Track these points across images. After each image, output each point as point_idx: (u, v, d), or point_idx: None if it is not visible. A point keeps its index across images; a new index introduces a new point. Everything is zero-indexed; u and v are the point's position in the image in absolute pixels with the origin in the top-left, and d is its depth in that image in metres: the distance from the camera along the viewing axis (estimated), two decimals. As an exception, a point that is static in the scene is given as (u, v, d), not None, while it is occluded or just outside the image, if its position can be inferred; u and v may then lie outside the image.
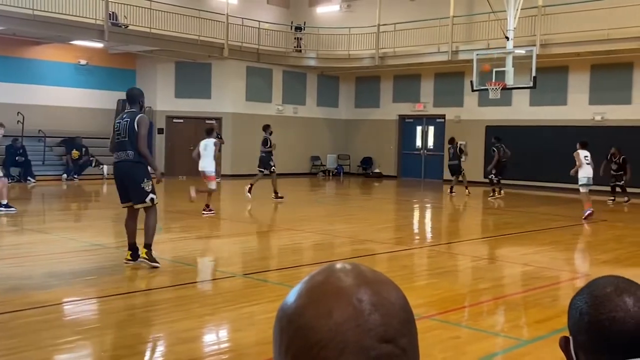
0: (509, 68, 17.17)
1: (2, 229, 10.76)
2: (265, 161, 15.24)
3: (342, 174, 26.01)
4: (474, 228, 13.09)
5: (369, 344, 0.74)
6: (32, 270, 7.22)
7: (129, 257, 7.41)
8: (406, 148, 25.43)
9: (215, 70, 22.96)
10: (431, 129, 24.80)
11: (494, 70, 17.40)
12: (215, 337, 5.30)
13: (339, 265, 0.81)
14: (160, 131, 22.69)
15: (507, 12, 17.44)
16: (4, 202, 11.88)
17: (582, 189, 13.05)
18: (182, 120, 23.00)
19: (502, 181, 18.08)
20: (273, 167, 15.20)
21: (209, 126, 13.77)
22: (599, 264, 8.81)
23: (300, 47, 24.91)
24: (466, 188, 18.17)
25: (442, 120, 23.97)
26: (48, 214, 13.75)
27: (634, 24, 17.82)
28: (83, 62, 21.89)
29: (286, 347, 0.77)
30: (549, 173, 20.21)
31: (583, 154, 13.03)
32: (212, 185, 12.44)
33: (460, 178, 18.29)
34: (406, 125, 25.42)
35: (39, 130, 20.10)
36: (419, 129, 25.16)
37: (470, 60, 18.47)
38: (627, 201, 16.66)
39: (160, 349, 4.98)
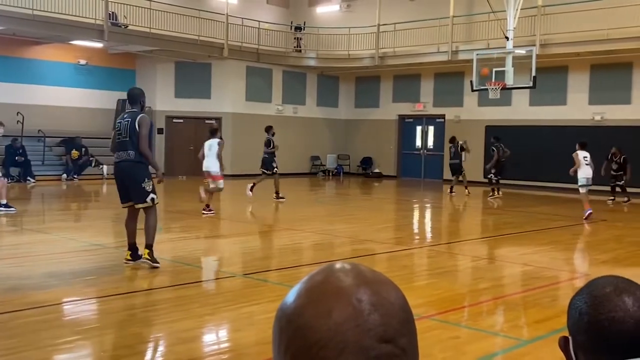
0: (509, 68, 17.18)
1: (1, 229, 10.76)
2: (267, 162, 15.23)
3: (342, 174, 26.01)
4: (474, 228, 13.09)
5: (368, 344, 0.74)
6: (32, 270, 7.22)
7: (129, 257, 7.41)
8: (406, 148, 25.44)
9: (215, 70, 22.96)
10: (431, 129, 24.81)
11: (494, 70, 17.41)
12: (215, 337, 5.30)
13: (338, 265, 0.81)
14: (160, 131, 22.69)
15: (507, 12, 17.45)
16: (3, 202, 11.88)
17: (581, 190, 13.06)
18: (181, 120, 23.00)
19: (502, 181, 18.08)
20: (275, 169, 15.20)
21: (214, 126, 13.85)
22: (598, 263, 8.81)
23: (300, 47, 24.91)
24: (466, 188, 18.18)
25: (442, 120, 23.97)
26: (48, 214, 13.74)
27: (634, 23, 17.83)
28: (83, 62, 21.89)
29: (285, 346, 0.77)
30: (549, 173, 20.21)
31: (582, 155, 13.03)
32: (220, 184, 12.54)
33: (461, 178, 18.29)
34: (406, 125, 25.42)
35: (39, 130, 20.10)
36: (418, 129, 25.16)
37: (470, 60, 18.48)
38: (627, 201, 16.65)
39: (160, 348, 4.98)
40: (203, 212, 12.18)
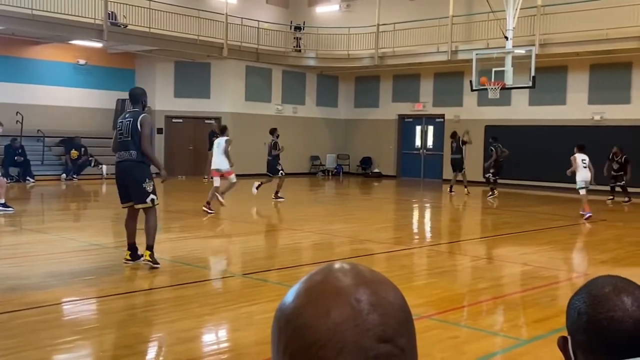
0: (508, 68, 17.18)
1: (1, 229, 10.75)
2: (273, 165, 15.19)
3: (341, 173, 26.01)
4: (473, 228, 13.09)
5: (367, 344, 0.74)
6: (31, 270, 7.22)
7: (128, 257, 7.41)
8: (405, 148, 25.44)
9: (215, 70, 22.95)
10: (430, 129, 24.81)
11: (493, 70, 17.42)
12: (214, 337, 5.30)
13: (337, 265, 0.81)
14: (160, 131, 22.68)
15: (507, 11, 17.45)
16: (2, 201, 11.87)
17: (580, 192, 13.09)
18: (181, 120, 23.00)
19: (501, 181, 18.08)
20: (281, 172, 15.18)
21: (222, 125, 14.12)
22: (597, 263, 8.81)
23: (299, 46, 24.92)
24: (465, 187, 18.19)
25: (442, 120, 23.98)
26: (47, 213, 13.74)
27: (633, 23, 17.84)
28: (82, 61, 21.88)
29: (284, 346, 0.77)
30: (548, 173, 20.21)
31: (580, 158, 13.05)
32: (232, 178, 12.90)
33: (461, 177, 18.29)
34: (405, 125, 25.42)
35: (38, 130, 20.10)
36: (418, 128, 25.17)
37: (470, 60, 18.48)
38: (627, 201, 16.60)
39: (160, 348, 4.98)
40: (204, 208, 12.36)
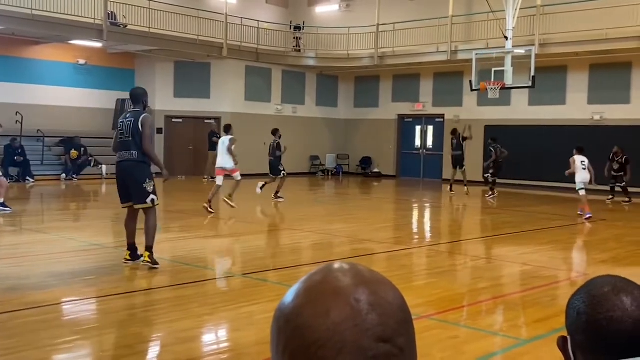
0: (508, 68, 17.19)
1: (0, 229, 10.75)
2: (275, 166, 15.24)
3: (341, 173, 26.01)
4: (473, 227, 13.09)
5: (366, 344, 0.74)
6: (31, 270, 7.22)
7: (128, 257, 7.41)
8: (405, 148, 25.44)
9: (214, 69, 22.95)
10: (430, 129, 24.82)
11: (493, 69, 17.43)
12: (214, 337, 5.30)
13: (336, 265, 0.81)
14: (159, 131, 22.66)
15: (506, 11, 17.46)
16: (1, 200, 11.86)
17: (580, 192, 13.10)
18: (181, 120, 22.99)
19: (500, 181, 18.08)
20: (283, 172, 15.21)
21: (227, 124, 14.28)
22: (597, 263, 8.81)
23: (299, 46, 24.91)
24: (465, 186, 18.19)
25: (442, 120, 23.98)
26: (47, 213, 13.73)
27: (632, 23, 17.84)
28: (82, 61, 21.88)
29: (284, 346, 0.77)
30: (548, 172, 20.21)
31: (580, 160, 13.06)
32: (237, 176, 13.04)
33: (460, 176, 18.28)
34: (405, 125, 25.42)
35: (38, 130, 20.09)
36: (418, 128, 25.17)
37: (470, 60, 18.48)
38: (628, 201, 16.56)
39: (160, 348, 4.98)
40: (204, 205, 12.38)
